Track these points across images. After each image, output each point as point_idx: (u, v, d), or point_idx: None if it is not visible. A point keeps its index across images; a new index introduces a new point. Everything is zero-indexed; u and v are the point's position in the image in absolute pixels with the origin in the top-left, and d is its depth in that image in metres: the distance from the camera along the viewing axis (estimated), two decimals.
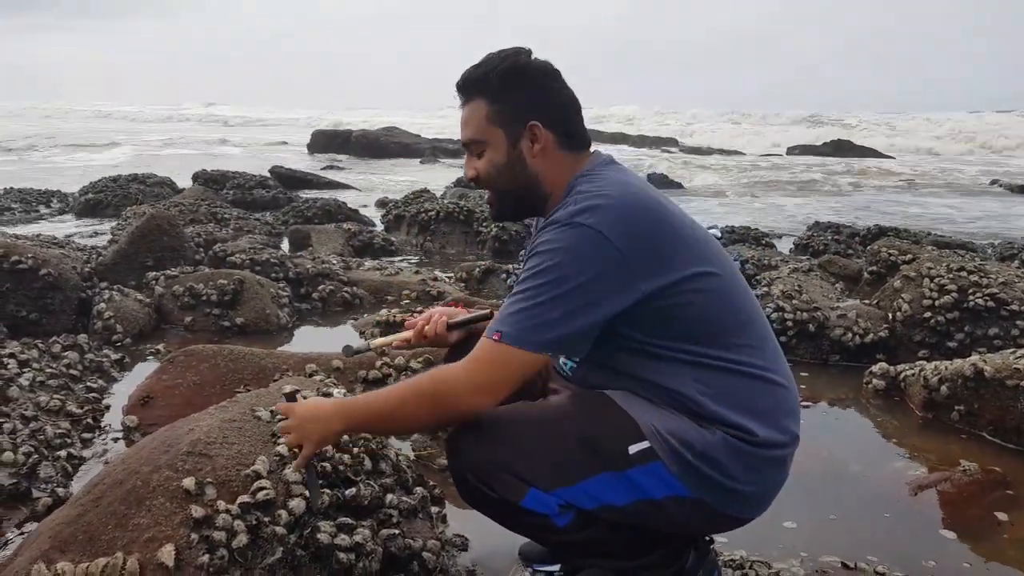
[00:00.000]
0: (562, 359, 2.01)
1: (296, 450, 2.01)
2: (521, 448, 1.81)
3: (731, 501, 1.83)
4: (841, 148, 29.61)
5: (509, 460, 1.80)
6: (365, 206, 11.59)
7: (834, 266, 6.11)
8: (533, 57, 1.94)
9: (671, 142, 33.94)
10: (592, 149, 1.99)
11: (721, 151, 30.71)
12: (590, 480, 1.79)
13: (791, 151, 30.82)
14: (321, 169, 17.90)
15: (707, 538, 2.10)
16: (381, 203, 11.77)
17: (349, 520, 2.16)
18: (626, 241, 1.71)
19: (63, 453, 3.05)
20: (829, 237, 8.40)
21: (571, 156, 1.94)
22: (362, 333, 5.02)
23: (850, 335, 4.66)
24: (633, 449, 1.78)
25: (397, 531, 2.23)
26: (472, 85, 1.95)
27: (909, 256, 5.60)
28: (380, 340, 2.35)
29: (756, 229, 9.27)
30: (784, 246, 8.95)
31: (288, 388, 2.01)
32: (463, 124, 1.98)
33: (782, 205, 14.62)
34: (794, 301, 4.85)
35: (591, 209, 1.74)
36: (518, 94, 1.91)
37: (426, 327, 2.27)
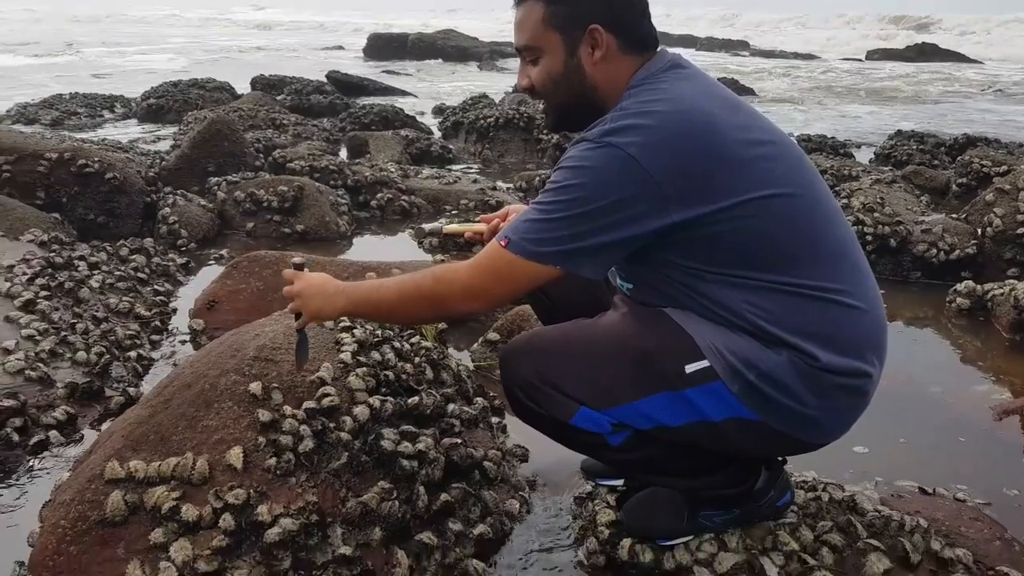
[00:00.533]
0: (619, 280, 1.90)
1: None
2: (572, 365, 1.74)
3: (797, 425, 1.72)
4: (925, 53, 28.09)
5: (559, 377, 1.74)
6: (422, 113, 11.43)
7: (919, 177, 5.81)
8: None
9: (741, 45, 32.64)
10: (659, 49, 1.81)
11: (795, 55, 29.42)
12: (643, 400, 1.71)
13: (871, 55, 29.37)
14: (378, 74, 17.68)
15: (780, 458, 2.03)
16: (438, 110, 11.60)
17: (412, 428, 2.16)
18: (662, 167, 1.57)
19: (133, 354, 3.11)
20: (913, 147, 7.92)
21: (634, 60, 1.75)
22: (420, 243, 4.99)
23: (934, 251, 4.46)
24: (690, 368, 1.68)
25: (459, 440, 2.22)
26: None
27: (1004, 168, 5.27)
28: (453, 226, 2.37)
29: (833, 138, 8.88)
30: (863, 157, 8.55)
31: (297, 258, 1.99)
32: (517, 27, 1.80)
33: (859, 114, 13.96)
34: (875, 214, 4.63)
35: (628, 129, 1.59)
36: None
37: (501, 224, 2.20)
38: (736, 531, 2.00)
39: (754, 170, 1.63)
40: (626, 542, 2.01)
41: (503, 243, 1.66)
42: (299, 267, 1.98)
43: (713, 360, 1.67)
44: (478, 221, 2.29)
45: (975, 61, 27.28)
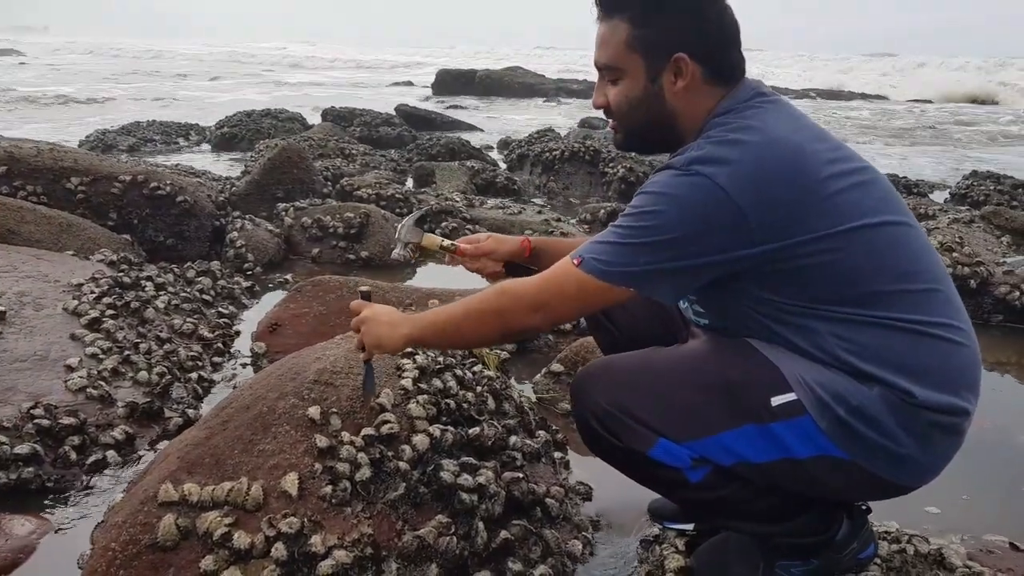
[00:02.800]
0: (693, 314, 1.81)
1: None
2: (651, 394, 1.65)
3: (889, 466, 1.60)
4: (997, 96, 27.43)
5: (637, 407, 1.64)
6: (490, 147, 11.49)
7: (999, 218, 5.56)
8: None
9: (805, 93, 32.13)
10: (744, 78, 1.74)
11: (863, 96, 28.88)
12: (726, 433, 1.61)
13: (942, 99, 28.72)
14: (445, 109, 17.91)
15: (863, 506, 1.89)
16: (504, 143, 11.64)
17: (472, 460, 2.07)
18: (750, 198, 1.50)
19: (194, 375, 3.10)
20: (990, 187, 7.68)
21: (718, 90, 1.67)
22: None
23: (1017, 293, 4.26)
24: (776, 401, 1.58)
25: (520, 474, 2.13)
26: (614, 1, 1.69)
27: None
28: (433, 237, 2.15)
29: (905, 177, 8.62)
30: (936, 198, 8.28)
31: (364, 287, 1.94)
32: (599, 44, 1.72)
33: (931, 155, 13.57)
34: (954, 254, 4.45)
35: (716, 158, 1.52)
36: (668, 19, 1.64)
37: (483, 260, 2.15)
38: None
39: (842, 201, 1.55)
40: None
41: (576, 262, 1.60)
42: (366, 296, 1.93)
43: (801, 393, 1.56)
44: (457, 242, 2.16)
45: None
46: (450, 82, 25.35)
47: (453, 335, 1.80)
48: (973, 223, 5.44)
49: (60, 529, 2.18)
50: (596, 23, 1.73)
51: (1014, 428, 3.05)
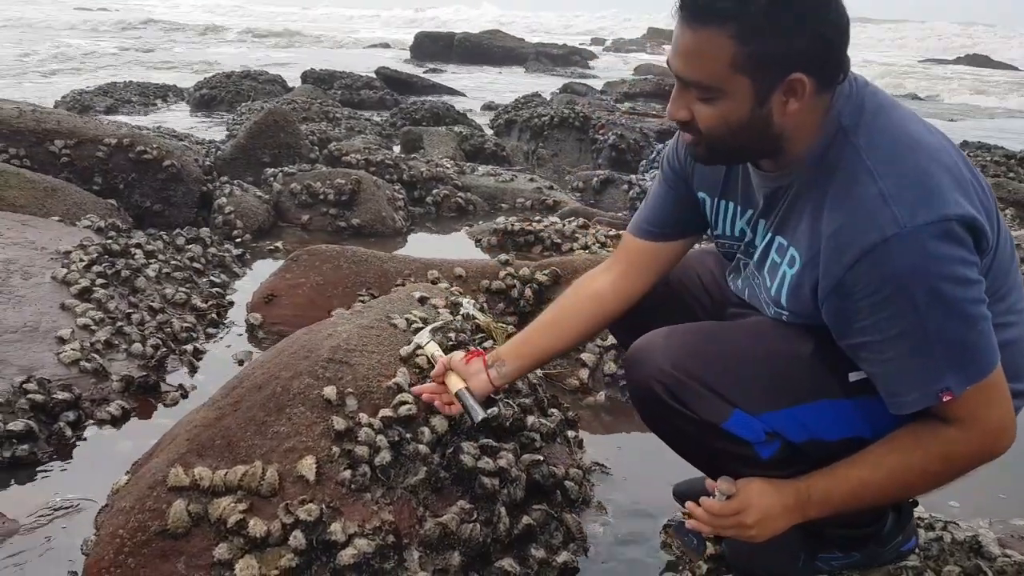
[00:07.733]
0: (774, 309, 1.61)
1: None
2: (722, 363, 1.54)
3: None
4: (976, 63, 27.70)
5: (708, 375, 1.53)
6: (471, 111, 11.29)
7: (1001, 190, 5.55)
8: None
9: None
10: None
11: None
12: (803, 407, 1.52)
13: (923, 63, 28.95)
14: (424, 72, 17.62)
15: (910, 500, 1.83)
16: (488, 107, 11.45)
17: (491, 442, 1.99)
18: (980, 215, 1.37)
19: (189, 347, 2.99)
20: (987, 158, 7.64)
21: (827, 96, 1.44)
22: (478, 241, 4.82)
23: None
24: (854, 376, 1.49)
25: (540, 457, 2.05)
26: (715, 7, 1.35)
27: None
28: (433, 348, 2.03)
29: None
30: None
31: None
32: (684, 53, 1.41)
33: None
34: None
35: (929, 195, 1.34)
36: (785, 36, 1.34)
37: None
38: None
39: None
40: None
41: (947, 398, 1.39)
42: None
43: None
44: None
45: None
46: (428, 44, 24.92)
47: (872, 501, 1.59)
48: None
49: (59, 511, 2.07)
50: (675, 18, 1.41)
51: None
